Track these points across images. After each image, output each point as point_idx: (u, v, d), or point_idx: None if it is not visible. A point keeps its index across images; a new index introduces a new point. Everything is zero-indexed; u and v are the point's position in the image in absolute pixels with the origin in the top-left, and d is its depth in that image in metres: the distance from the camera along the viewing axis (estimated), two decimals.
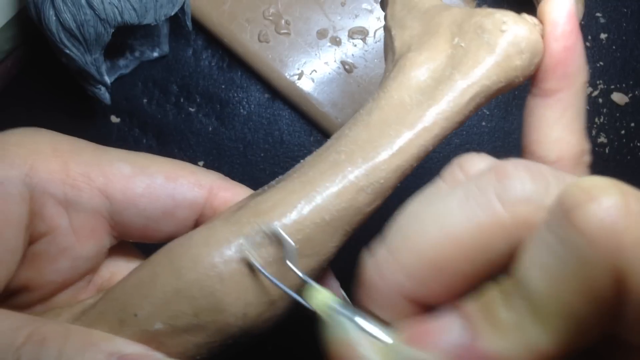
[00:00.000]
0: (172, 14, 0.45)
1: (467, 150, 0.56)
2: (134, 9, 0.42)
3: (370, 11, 0.52)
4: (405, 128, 0.22)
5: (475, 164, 0.19)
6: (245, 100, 0.53)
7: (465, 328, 0.16)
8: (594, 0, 0.54)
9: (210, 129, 0.52)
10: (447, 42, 0.23)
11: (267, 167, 0.52)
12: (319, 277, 0.25)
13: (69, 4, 0.40)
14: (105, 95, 0.46)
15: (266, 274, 0.21)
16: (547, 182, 0.16)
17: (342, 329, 0.18)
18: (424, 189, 0.20)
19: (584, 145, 0.24)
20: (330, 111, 0.50)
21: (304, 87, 0.51)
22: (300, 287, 0.22)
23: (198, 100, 0.52)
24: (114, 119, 0.52)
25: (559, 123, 0.23)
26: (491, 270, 0.17)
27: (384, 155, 0.22)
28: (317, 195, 0.22)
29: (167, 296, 0.21)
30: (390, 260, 0.18)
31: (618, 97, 0.53)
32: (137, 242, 0.27)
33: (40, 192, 0.23)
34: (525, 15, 0.23)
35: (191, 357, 0.22)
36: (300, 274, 0.21)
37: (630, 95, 0.53)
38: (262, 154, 0.52)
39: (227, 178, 0.26)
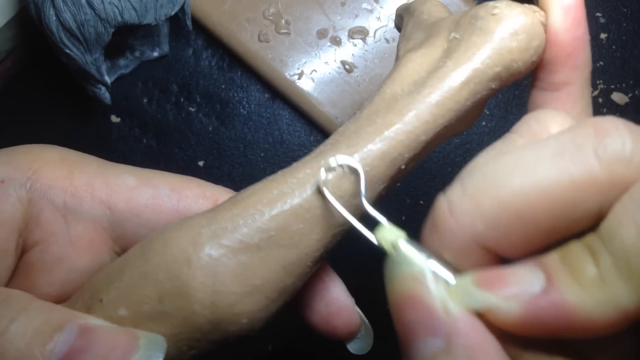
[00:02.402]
0: (172, 13, 0.45)
1: (467, 150, 0.56)
2: (134, 9, 0.42)
3: (370, 11, 0.52)
4: (393, 115, 0.21)
5: (553, 118, 0.19)
6: (245, 100, 0.53)
7: (544, 279, 0.16)
8: (594, 0, 0.54)
9: (210, 128, 0.52)
10: (445, 39, 0.23)
11: (267, 167, 0.52)
12: (313, 276, 0.24)
13: (69, 4, 0.41)
14: (105, 95, 0.46)
15: (334, 201, 0.20)
16: None
17: (411, 264, 0.17)
18: (494, 143, 0.19)
19: None
20: (330, 111, 0.50)
21: (304, 87, 0.51)
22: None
23: (198, 100, 0.52)
24: (114, 118, 0.52)
25: (570, 115, 0.23)
26: (573, 229, 0.17)
27: (368, 141, 0.21)
28: (295, 182, 0.21)
29: (133, 280, 0.20)
30: (468, 204, 0.17)
31: (618, 97, 0.53)
32: None
33: (39, 197, 0.23)
34: (524, 4, 0.23)
35: None
36: (373, 211, 0.20)
37: (630, 95, 0.53)
38: (262, 154, 0.52)
39: (234, 192, 0.26)
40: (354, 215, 0.21)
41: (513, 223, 0.16)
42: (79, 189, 0.23)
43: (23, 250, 0.23)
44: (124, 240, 0.24)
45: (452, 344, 0.16)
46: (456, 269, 0.17)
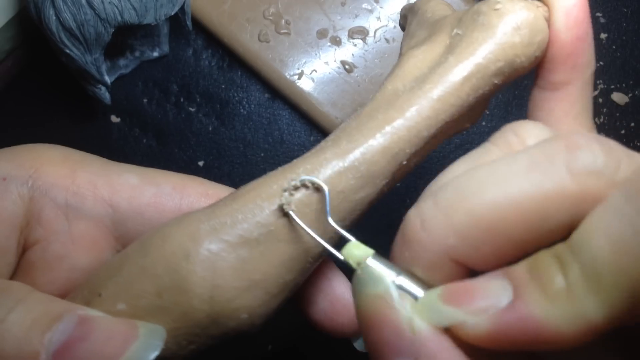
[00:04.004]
0: (172, 13, 0.45)
1: (467, 150, 0.56)
2: (134, 9, 0.42)
3: (370, 11, 0.52)
4: (394, 111, 0.21)
5: (530, 131, 0.19)
6: (245, 100, 0.53)
7: (511, 291, 0.15)
8: (594, 0, 0.54)
9: (210, 128, 0.52)
10: (447, 35, 0.23)
11: (267, 167, 0.52)
12: (317, 274, 0.24)
13: (69, 4, 0.41)
14: (105, 95, 0.46)
15: (300, 222, 0.20)
16: (619, 157, 0.16)
17: (377, 283, 0.17)
18: (471, 152, 0.19)
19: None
20: (330, 111, 0.50)
21: (304, 87, 0.51)
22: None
23: (198, 100, 0.52)
24: (114, 118, 0.52)
25: (568, 116, 0.22)
26: (544, 241, 0.16)
27: (368, 137, 0.21)
28: (295, 177, 0.21)
29: (132, 275, 0.20)
30: (440, 217, 0.17)
31: (618, 97, 0.53)
32: None
33: (41, 195, 0.23)
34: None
35: None
36: (339, 228, 0.20)
37: (630, 95, 0.53)
38: (262, 154, 0.52)
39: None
40: (328, 231, 0.21)
41: (485, 236, 0.16)
42: (81, 188, 0.23)
43: (24, 249, 0.23)
44: (126, 239, 0.24)
45: None
46: (427, 284, 0.17)
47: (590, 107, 0.23)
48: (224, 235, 0.20)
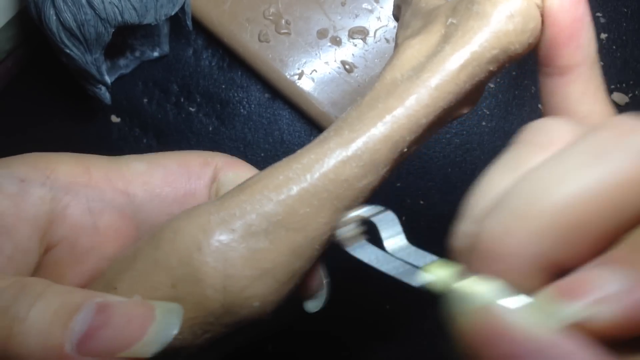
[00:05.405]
0: (173, 13, 0.45)
1: (467, 150, 0.56)
2: (135, 9, 0.42)
3: (371, 11, 0.52)
4: (394, 100, 0.22)
5: (561, 128, 0.18)
6: (246, 100, 0.53)
7: (622, 274, 0.15)
8: (594, 0, 0.54)
9: (210, 128, 0.52)
10: (442, 25, 0.23)
11: (267, 167, 0.52)
12: (315, 266, 0.24)
13: (70, 4, 0.41)
14: (105, 95, 0.46)
15: (364, 259, 0.20)
16: None
17: (481, 298, 0.16)
18: (499, 160, 0.19)
19: (612, 111, 0.23)
20: (330, 111, 0.50)
21: (304, 87, 0.51)
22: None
23: (198, 100, 0.52)
24: (115, 118, 0.52)
25: (585, 96, 0.23)
26: (628, 226, 0.16)
27: (370, 126, 0.22)
28: (300, 167, 0.22)
29: (146, 267, 0.21)
30: (516, 227, 0.16)
31: (618, 97, 0.53)
32: None
33: (62, 194, 0.23)
34: None
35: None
36: (422, 250, 0.20)
37: (630, 95, 0.53)
38: (262, 154, 0.52)
39: (233, 157, 0.27)
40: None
41: (569, 234, 0.16)
42: (98, 182, 0.24)
43: (47, 248, 0.23)
44: (146, 224, 0.25)
45: None
46: (523, 293, 0.16)
47: (602, 85, 0.23)
48: (233, 226, 0.21)
